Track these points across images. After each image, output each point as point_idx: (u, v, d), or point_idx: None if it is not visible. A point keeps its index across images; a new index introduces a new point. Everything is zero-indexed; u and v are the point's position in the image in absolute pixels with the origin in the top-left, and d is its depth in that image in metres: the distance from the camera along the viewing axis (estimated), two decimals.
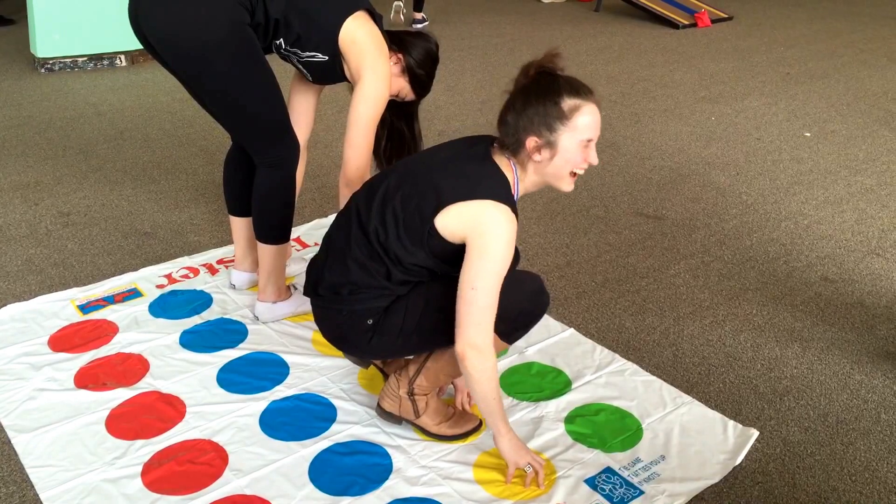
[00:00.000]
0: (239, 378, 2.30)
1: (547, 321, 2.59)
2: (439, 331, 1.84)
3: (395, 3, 7.04)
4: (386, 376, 2.18)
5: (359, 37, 2.27)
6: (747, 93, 5.24)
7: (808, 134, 4.49)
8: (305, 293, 2.04)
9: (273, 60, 2.27)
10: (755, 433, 2.13)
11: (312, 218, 3.30)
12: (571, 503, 1.89)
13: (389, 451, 2.04)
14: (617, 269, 2.99)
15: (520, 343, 2.43)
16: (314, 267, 2.01)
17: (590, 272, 2.97)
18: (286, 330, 2.53)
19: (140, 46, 2.35)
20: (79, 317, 2.58)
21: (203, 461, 1.99)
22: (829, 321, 2.69)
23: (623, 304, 2.76)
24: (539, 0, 8.13)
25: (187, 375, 2.30)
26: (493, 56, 6.00)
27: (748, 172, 3.92)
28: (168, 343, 2.45)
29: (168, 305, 2.65)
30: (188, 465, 1.97)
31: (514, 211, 1.80)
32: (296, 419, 2.14)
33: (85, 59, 5.38)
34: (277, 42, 2.29)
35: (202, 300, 2.69)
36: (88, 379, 2.27)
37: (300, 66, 2.40)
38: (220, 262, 2.93)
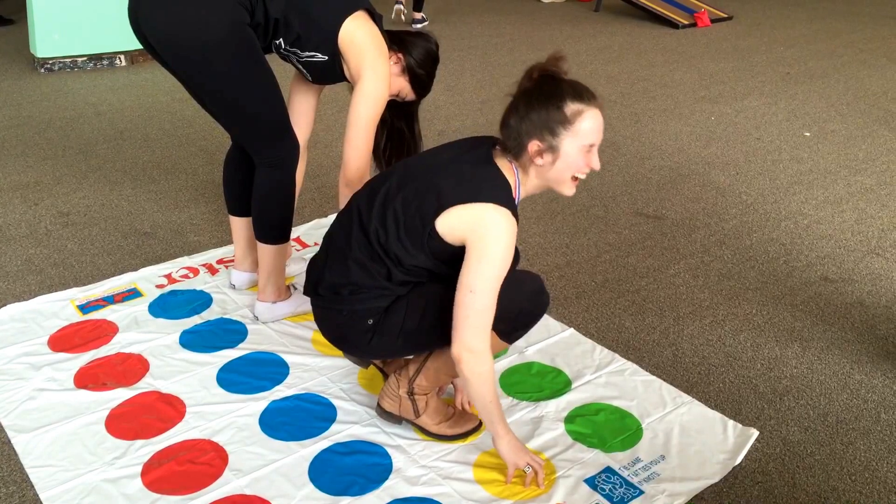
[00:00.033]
0: (239, 378, 2.30)
1: (547, 321, 2.59)
2: (439, 331, 1.84)
3: (396, 6, 7.04)
4: (386, 376, 2.18)
5: (358, 37, 2.27)
6: (747, 93, 5.24)
7: (808, 134, 4.49)
8: (305, 293, 2.03)
9: (273, 60, 2.27)
10: (755, 433, 2.13)
11: (312, 218, 3.31)
12: (571, 503, 1.89)
13: (389, 450, 2.04)
14: (617, 269, 2.99)
15: (520, 343, 2.43)
16: (314, 267, 2.01)
17: (589, 272, 2.97)
18: (286, 330, 2.53)
19: (140, 46, 2.35)
20: (78, 317, 2.58)
21: (203, 461, 1.99)
22: (829, 321, 2.69)
23: (623, 303, 2.76)
24: (539, 0, 8.13)
25: (187, 375, 2.30)
26: (493, 56, 6.00)
27: (748, 172, 3.92)
28: (168, 343, 2.45)
29: (168, 305, 2.65)
30: (188, 465, 1.97)
31: (515, 214, 1.79)
32: (296, 419, 2.14)
33: (84, 59, 5.38)
34: (277, 42, 2.29)
35: (202, 300, 2.69)
36: (88, 379, 2.27)
37: (300, 66, 2.40)
38: (219, 262, 2.93)
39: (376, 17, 2.33)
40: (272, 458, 2.00)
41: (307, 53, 2.31)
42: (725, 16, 7.47)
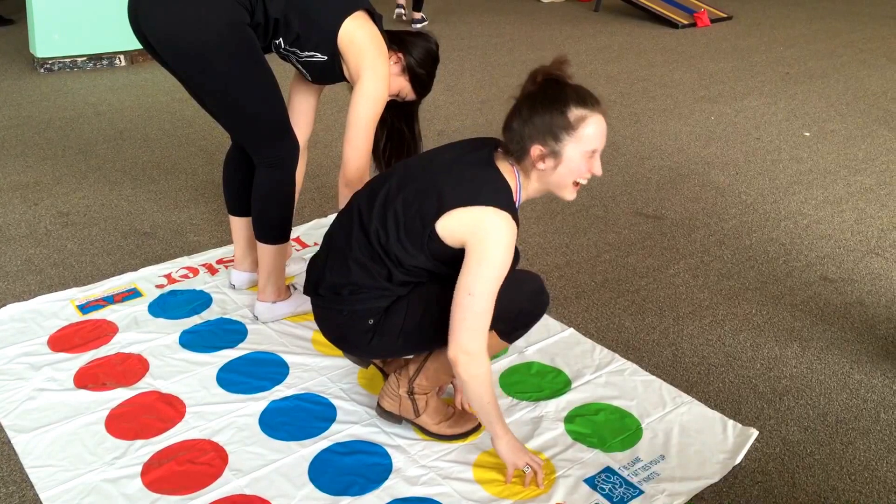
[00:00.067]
0: (239, 378, 2.30)
1: (546, 321, 2.59)
2: (440, 331, 1.84)
3: (397, 10, 7.04)
4: (386, 376, 2.18)
5: (358, 37, 2.27)
6: (747, 92, 5.24)
7: (808, 133, 4.49)
8: (306, 292, 2.03)
9: (273, 60, 2.27)
10: (755, 433, 2.13)
11: (312, 218, 3.31)
12: (571, 503, 1.89)
13: (389, 450, 2.04)
14: (616, 269, 2.99)
15: (519, 343, 2.43)
16: (315, 266, 2.01)
17: (589, 272, 2.97)
18: (286, 330, 2.53)
19: (139, 46, 2.35)
20: (78, 317, 2.58)
21: (203, 461, 1.99)
22: (829, 321, 2.69)
23: (622, 303, 2.76)
24: (539, 0, 8.13)
25: (187, 375, 2.30)
26: (493, 56, 6.00)
27: (747, 172, 3.92)
28: (168, 343, 2.45)
29: (168, 305, 2.65)
30: (188, 464, 1.97)
31: (516, 218, 1.79)
32: (295, 419, 2.14)
33: (84, 59, 5.38)
34: (277, 42, 2.29)
35: (202, 300, 2.69)
36: (88, 379, 2.27)
37: (299, 66, 2.40)
38: (219, 261, 2.93)
39: (376, 18, 2.33)
40: (272, 458, 2.00)
41: (307, 53, 2.31)
42: (725, 16, 7.47)
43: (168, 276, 2.83)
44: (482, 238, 1.74)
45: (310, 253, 2.97)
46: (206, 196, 3.50)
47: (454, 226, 1.77)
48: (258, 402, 2.20)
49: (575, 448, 2.06)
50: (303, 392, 2.25)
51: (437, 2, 7.71)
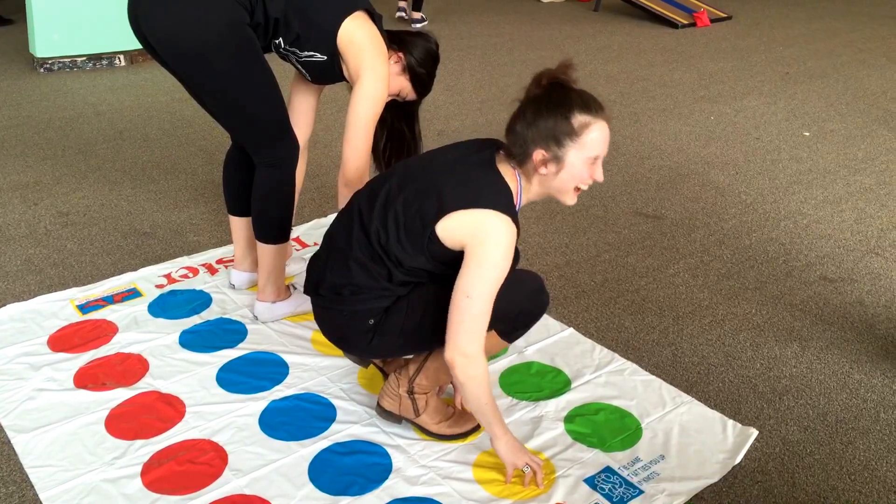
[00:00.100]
0: (238, 378, 2.30)
1: (546, 321, 2.59)
2: (440, 331, 1.84)
3: (399, 12, 7.04)
4: (386, 375, 2.18)
5: (357, 37, 2.27)
6: (746, 92, 5.24)
7: (807, 133, 4.49)
8: (306, 292, 2.03)
9: (273, 61, 2.27)
10: (754, 432, 2.13)
11: (312, 218, 3.31)
12: (571, 502, 1.89)
13: (389, 450, 2.04)
14: (616, 269, 2.99)
15: (519, 342, 2.43)
16: (315, 266, 2.01)
17: (589, 272, 2.97)
18: (286, 330, 2.53)
19: (139, 46, 2.35)
20: (78, 317, 2.58)
21: (203, 461, 1.99)
22: (829, 320, 2.69)
23: (622, 303, 2.76)
24: (538, 0, 8.13)
25: (187, 375, 2.30)
26: (493, 56, 6.00)
27: (747, 172, 3.92)
28: (167, 343, 2.45)
29: (167, 305, 2.65)
30: (188, 464, 1.97)
31: (516, 221, 1.79)
32: (295, 419, 2.14)
33: (84, 58, 5.38)
34: (277, 41, 2.29)
35: (201, 300, 2.69)
36: (88, 379, 2.27)
37: (299, 66, 2.40)
38: (219, 261, 2.93)
39: (376, 18, 2.33)
40: (272, 457, 2.00)
41: (306, 53, 2.31)
42: (725, 15, 7.47)
43: (168, 276, 2.83)
44: (482, 241, 1.74)
45: (309, 253, 2.97)
46: (205, 196, 3.50)
47: (454, 228, 1.77)
48: (258, 402, 2.20)
49: (575, 448, 2.06)
50: (302, 392, 2.25)
51: (436, 2, 7.71)
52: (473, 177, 1.81)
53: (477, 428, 2.09)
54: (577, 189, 1.84)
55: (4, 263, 2.92)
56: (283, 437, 2.08)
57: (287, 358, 2.39)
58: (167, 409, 2.16)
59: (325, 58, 2.31)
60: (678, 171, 3.89)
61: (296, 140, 2.40)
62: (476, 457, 2.02)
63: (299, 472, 1.96)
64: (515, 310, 1.90)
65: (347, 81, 2.39)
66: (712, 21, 7.26)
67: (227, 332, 2.51)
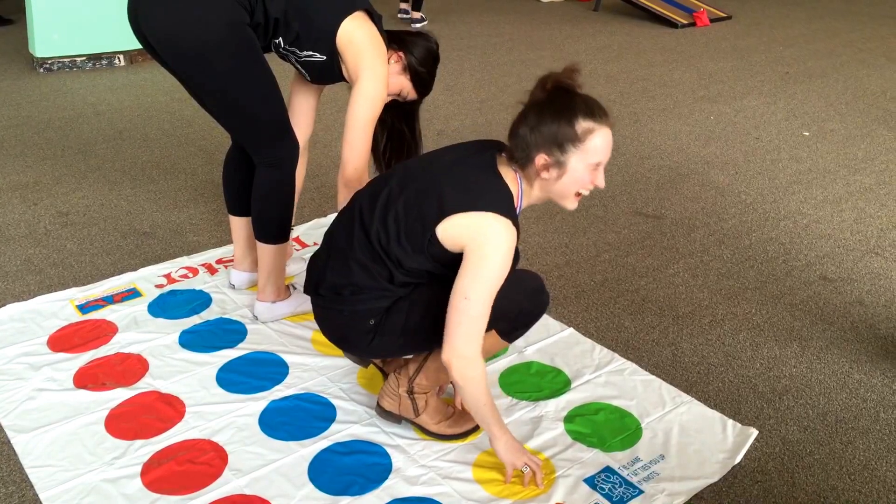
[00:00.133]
0: (238, 378, 2.30)
1: (546, 320, 2.59)
2: (440, 331, 1.84)
3: (401, 14, 7.03)
4: (385, 375, 2.18)
5: (356, 37, 2.26)
6: (746, 92, 5.24)
7: (807, 133, 4.49)
8: (306, 291, 2.03)
9: (273, 61, 2.27)
10: (754, 432, 2.13)
11: (311, 218, 3.31)
12: (571, 502, 1.89)
13: (389, 450, 2.04)
14: (616, 269, 2.99)
15: (519, 342, 2.43)
16: (315, 265, 2.00)
17: (589, 271, 2.97)
18: (285, 330, 2.53)
19: (139, 46, 2.35)
20: (78, 317, 2.58)
21: (202, 461, 1.99)
22: (828, 320, 2.69)
23: (622, 303, 2.76)
24: (538, 0, 8.13)
25: (186, 375, 2.30)
26: (492, 55, 6.00)
27: (747, 172, 3.92)
28: (167, 343, 2.45)
29: (167, 305, 2.65)
30: (188, 464, 1.97)
31: (516, 224, 1.79)
32: (295, 419, 2.14)
33: (83, 58, 5.38)
34: (277, 41, 2.29)
35: (201, 300, 2.68)
36: (88, 379, 2.27)
37: (298, 66, 2.40)
38: (219, 261, 2.93)
39: (376, 18, 2.33)
40: (272, 457, 2.00)
41: (305, 53, 2.31)
42: (724, 15, 7.47)
43: (168, 276, 2.83)
44: (481, 243, 1.74)
45: (309, 253, 2.97)
46: (205, 196, 3.50)
47: (454, 230, 1.77)
48: (258, 402, 2.20)
49: (575, 448, 2.06)
50: (302, 392, 2.25)
51: (436, 1, 7.71)
52: (474, 179, 1.81)
53: (477, 428, 2.09)
54: (578, 194, 1.84)
55: (4, 263, 2.92)
56: (282, 437, 2.08)
57: (287, 358, 2.39)
58: (167, 409, 2.16)
59: (325, 58, 2.31)
60: (678, 171, 3.89)
61: (296, 140, 2.40)
62: (476, 457, 2.02)
63: (299, 472, 1.96)
64: (515, 309, 1.90)
65: (347, 81, 2.39)
66: (712, 21, 7.26)
67: (227, 332, 2.51)
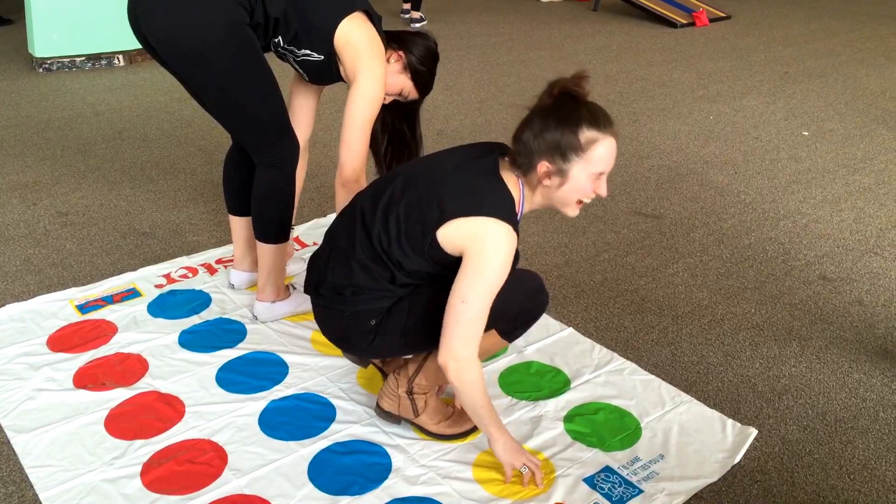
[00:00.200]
0: (238, 378, 2.30)
1: (546, 320, 2.59)
2: (440, 331, 1.84)
3: (403, 14, 7.03)
4: (385, 375, 2.18)
5: (354, 38, 2.26)
6: (745, 92, 5.24)
7: (807, 133, 4.49)
8: (306, 291, 2.03)
9: (273, 61, 2.27)
10: (754, 432, 2.13)
11: (311, 218, 3.31)
12: (571, 502, 1.89)
13: (389, 450, 2.04)
14: (615, 269, 2.99)
15: (519, 342, 2.43)
16: (316, 265, 2.00)
17: (588, 271, 2.97)
18: (285, 329, 2.53)
19: (138, 46, 2.35)
20: (77, 317, 2.58)
21: (202, 461, 1.99)
22: (828, 320, 2.69)
23: (622, 303, 2.76)
24: (537, 0, 8.14)
25: (186, 375, 2.30)
26: (492, 55, 6.00)
27: (746, 171, 3.92)
28: (167, 343, 2.45)
29: (167, 305, 2.65)
30: (187, 464, 1.97)
31: (516, 229, 1.79)
32: (295, 419, 2.14)
33: (83, 58, 5.38)
34: (276, 40, 2.29)
35: (201, 300, 2.69)
36: (87, 379, 2.27)
37: (296, 66, 2.40)
38: (218, 261, 2.93)
39: (375, 19, 2.33)
40: (271, 457, 2.01)
41: (303, 52, 2.31)
42: (724, 15, 7.47)
43: (167, 276, 2.83)
44: (480, 248, 1.74)
45: (309, 253, 2.97)
46: (205, 196, 3.50)
47: (455, 234, 1.77)
48: (257, 402, 2.20)
49: (574, 447, 2.06)
50: (302, 392, 2.25)
51: (435, 1, 7.71)
52: (476, 184, 1.81)
53: (476, 427, 2.09)
54: (580, 202, 1.84)
55: (4, 263, 2.92)
56: (282, 436, 2.08)
57: (286, 358, 2.39)
58: (167, 409, 2.16)
59: (322, 57, 2.31)
60: (677, 171, 3.90)
61: (296, 140, 2.40)
62: (476, 456, 2.02)
63: (299, 472, 1.96)
64: (515, 309, 1.90)
65: (345, 82, 2.39)
66: (711, 21, 7.26)
67: (227, 332, 2.51)
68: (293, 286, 2.66)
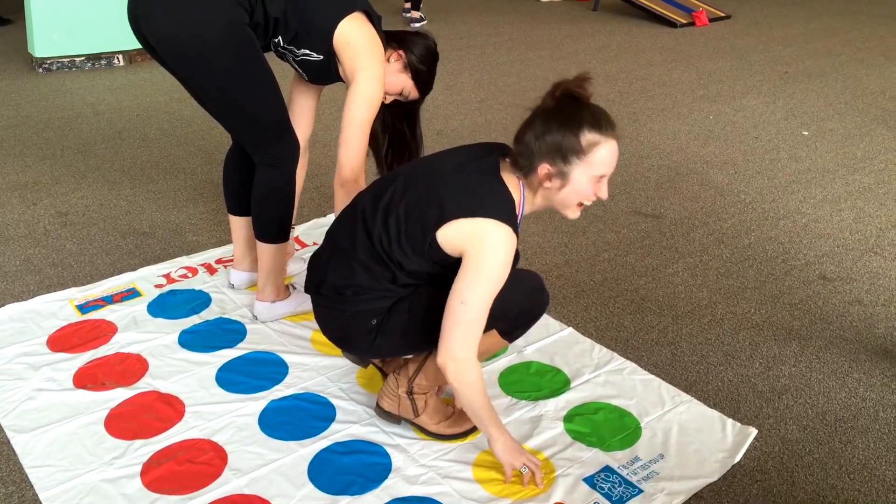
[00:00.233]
0: (238, 378, 2.30)
1: (546, 320, 2.59)
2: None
3: (405, 13, 7.02)
4: (385, 375, 2.18)
5: (353, 38, 2.26)
6: (745, 91, 5.24)
7: (806, 133, 4.49)
8: (307, 291, 2.03)
9: (273, 60, 2.27)
10: (754, 431, 2.13)
11: (311, 217, 3.31)
12: (571, 502, 1.89)
13: (388, 450, 2.04)
14: (615, 268, 2.99)
15: (519, 342, 2.43)
16: (317, 265, 2.00)
17: (588, 271, 2.97)
18: (285, 329, 2.53)
19: (138, 46, 2.35)
20: (77, 317, 2.58)
21: (202, 461, 1.99)
22: (827, 319, 2.69)
23: (621, 302, 2.76)
24: None
25: (186, 375, 2.30)
26: (492, 55, 6.00)
27: (746, 171, 3.92)
28: (167, 343, 2.45)
29: (167, 305, 2.65)
30: (187, 464, 1.97)
31: (516, 231, 1.79)
32: (295, 418, 2.14)
33: (83, 58, 5.38)
34: (276, 40, 2.29)
35: (201, 300, 2.69)
36: (87, 379, 2.27)
37: (295, 65, 2.40)
38: (218, 261, 2.93)
39: (374, 19, 2.33)
40: (271, 457, 2.01)
41: (302, 52, 2.31)
42: (723, 15, 7.47)
43: (167, 276, 2.83)
44: (480, 249, 1.74)
45: (309, 253, 2.97)
46: (204, 196, 3.50)
47: (454, 235, 1.77)
48: (257, 402, 2.20)
49: (574, 447, 2.06)
50: (302, 392, 2.25)
51: (435, 1, 7.71)
52: (476, 185, 1.81)
53: (476, 427, 2.09)
54: (581, 204, 1.84)
55: (3, 263, 2.92)
56: (282, 436, 2.08)
57: (286, 358, 2.39)
58: (166, 409, 2.16)
59: (321, 57, 2.31)
60: (677, 171, 3.90)
61: (296, 139, 2.40)
62: (476, 456, 2.02)
63: (299, 472, 1.96)
64: (515, 309, 1.90)
65: (344, 82, 2.39)
66: (711, 20, 7.26)
67: (227, 332, 2.51)
68: (293, 286, 2.66)
